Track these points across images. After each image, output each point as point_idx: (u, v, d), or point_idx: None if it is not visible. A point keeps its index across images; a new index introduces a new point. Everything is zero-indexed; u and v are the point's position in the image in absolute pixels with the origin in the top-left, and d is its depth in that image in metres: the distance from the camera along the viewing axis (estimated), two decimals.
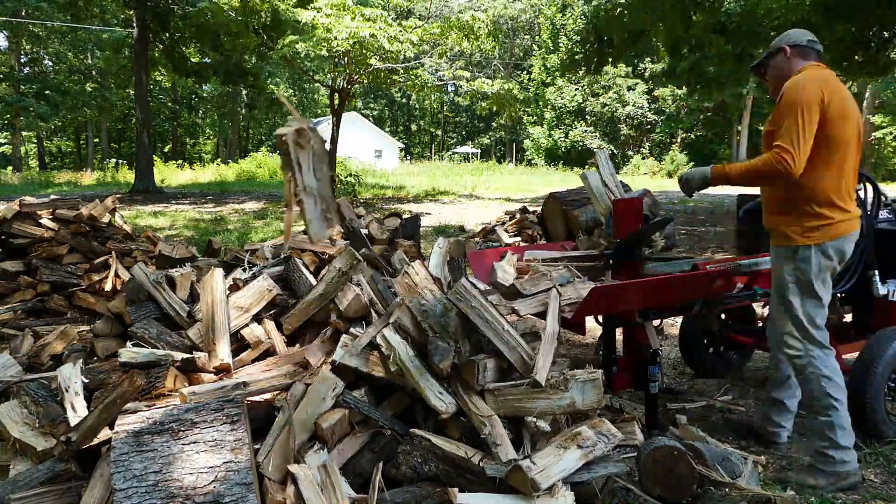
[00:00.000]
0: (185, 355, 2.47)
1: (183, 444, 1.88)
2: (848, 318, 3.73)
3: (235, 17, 14.68)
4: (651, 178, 34.01)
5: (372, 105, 56.45)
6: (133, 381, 2.10)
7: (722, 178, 2.74)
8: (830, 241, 2.60)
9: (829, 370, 2.62)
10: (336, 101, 15.90)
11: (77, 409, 2.27)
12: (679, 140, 39.82)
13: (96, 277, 4.47)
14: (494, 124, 53.78)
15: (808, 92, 2.50)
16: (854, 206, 2.68)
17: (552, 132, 42.03)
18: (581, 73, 14.35)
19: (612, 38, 12.80)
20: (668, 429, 2.81)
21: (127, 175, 26.68)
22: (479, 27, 13.86)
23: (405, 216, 4.00)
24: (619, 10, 11.97)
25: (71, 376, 2.41)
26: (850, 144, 2.58)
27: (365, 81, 16.35)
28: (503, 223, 8.75)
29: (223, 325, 2.59)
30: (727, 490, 2.21)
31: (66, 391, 2.34)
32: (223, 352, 2.52)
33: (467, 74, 17.39)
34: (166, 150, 44.46)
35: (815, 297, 2.65)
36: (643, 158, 39.31)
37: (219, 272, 2.78)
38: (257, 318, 2.80)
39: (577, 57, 14.04)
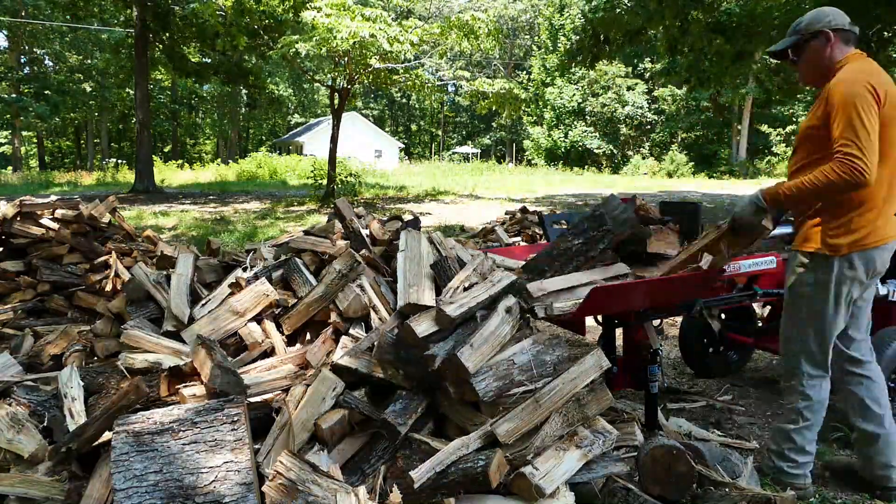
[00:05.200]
0: (176, 361, 2.46)
1: (183, 444, 1.88)
2: None
3: (226, 19, 14.65)
4: (651, 178, 34.00)
5: (372, 105, 56.45)
6: (139, 390, 2.10)
7: (776, 201, 2.38)
8: (860, 251, 2.36)
9: (813, 392, 2.52)
10: (336, 101, 15.89)
11: (76, 416, 2.26)
12: (679, 140, 39.82)
13: (96, 277, 4.46)
14: (494, 124, 53.78)
15: (863, 86, 2.24)
16: (889, 219, 2.41)
17: (552, 132, 42.03)
18: (576, 65, 14.39)
19: (609, 36, 12.86)
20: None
21: (127, 175, 26.68)
22: (480, 27, 13.84)
23: (405, 217, 4.00)
24: (617, 10, 12.01)
25: (69, 381, 2.41)
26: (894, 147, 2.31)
27: (365, 81, 16.33)
28: (503, 223, 8.76)
29: (182, 293, 2.91)
30: (727, 490, 2.21)
31: (65, 397, 2.34)
32: (179, 312, 2.77)
33: (467, 74, 17.36)
34: (166, 150, 44.48)
35: (825, 315, 2.45)
36: (643, 158, 39.30)
37: (188, 255, 3.17)
38: (257, 319, 2.79)
39: (573, 52, 14.11)
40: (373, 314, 2.64)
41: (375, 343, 2.30)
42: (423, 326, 2.18)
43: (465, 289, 2.40)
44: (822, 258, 2.41)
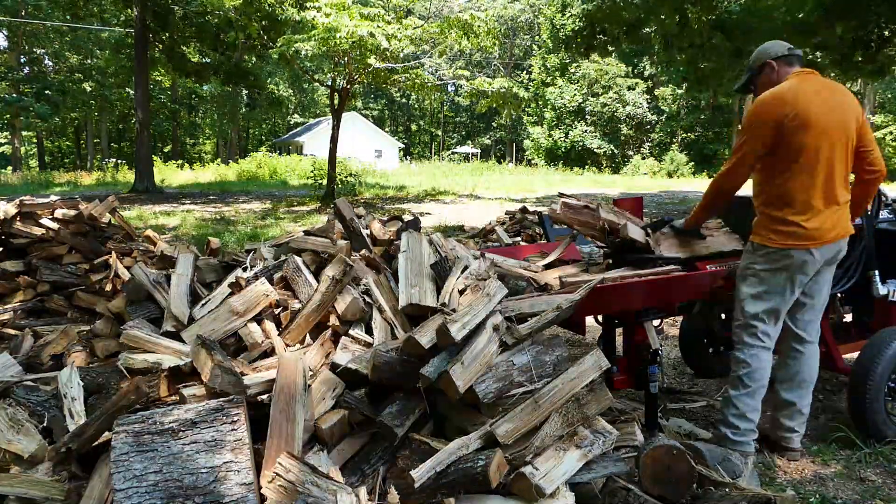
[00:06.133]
0: (176, 361, 2.46)
1: (183, 444, 1.88)
2: (848, 318, 3.73)
3: (236, 11, 14.68)
4: (651, 178, 34.00)
5: (372, 105, 56.45)
6: (139, 390, 2.10)
7: (692, 222, 3.11)
8: (793, 249, 2.63)
9: (752, 360, 2.75)
10: (336, 101, 15.89)
11: (76, 416, 2.26)
12: (679, 140, 39.81)
13: (96, 277, 4.46)
14: (494, 124, 53.79)
15: (760, 114, 2.66)
16: (828, 218, 2.63)
17: (552, 132, 42.02)
18: (570, 52, 14.42)
19: (607, 29, 12.90)
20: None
21: (127, 175, 26.68)
22: (479, 26, 13.85)
23: (406, 217, 4.01)
24: (617, 2, 12.06)
25: (69, 381, 2.41)
26: (816, 152, 2.57)
27: (365, 81, 16.34)
28: (503, 223, 8.75)
29: (182, 293, 2.92)
30: (727, 490, 2.21)
31: (65, 397, 2.33)
32: (180, 312, 2.76)
33: (467, 74, 17.37)
34: (166, 150, 44.46)
35: (766, 296, 2.72)
36: (643, 158, 39.30)
37: (188, 255, 3.18)
38: (257, 319, 2.79)
39: (568, 40, 14.17)
40: (377, 314, 2.63)
41: (371, 362, 2.25)
42: (427, 338, 2.14)
43: (460, 291, 2.40)
44: (762, 248, 2.72)
